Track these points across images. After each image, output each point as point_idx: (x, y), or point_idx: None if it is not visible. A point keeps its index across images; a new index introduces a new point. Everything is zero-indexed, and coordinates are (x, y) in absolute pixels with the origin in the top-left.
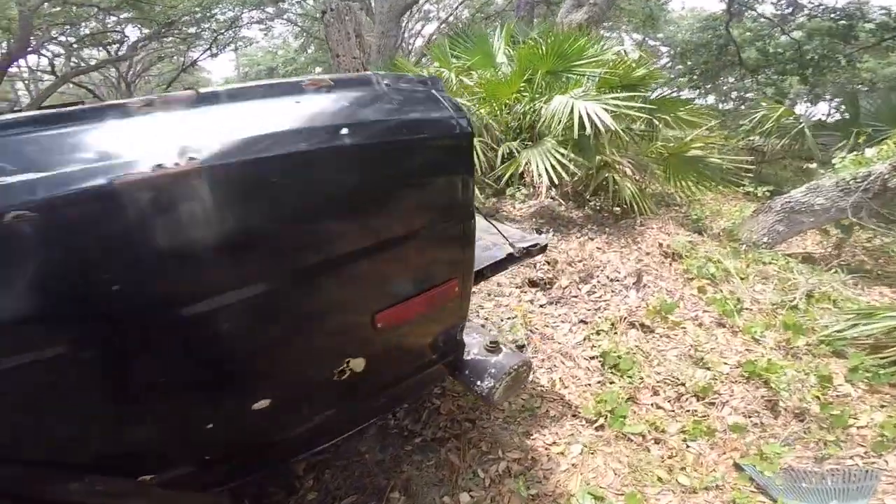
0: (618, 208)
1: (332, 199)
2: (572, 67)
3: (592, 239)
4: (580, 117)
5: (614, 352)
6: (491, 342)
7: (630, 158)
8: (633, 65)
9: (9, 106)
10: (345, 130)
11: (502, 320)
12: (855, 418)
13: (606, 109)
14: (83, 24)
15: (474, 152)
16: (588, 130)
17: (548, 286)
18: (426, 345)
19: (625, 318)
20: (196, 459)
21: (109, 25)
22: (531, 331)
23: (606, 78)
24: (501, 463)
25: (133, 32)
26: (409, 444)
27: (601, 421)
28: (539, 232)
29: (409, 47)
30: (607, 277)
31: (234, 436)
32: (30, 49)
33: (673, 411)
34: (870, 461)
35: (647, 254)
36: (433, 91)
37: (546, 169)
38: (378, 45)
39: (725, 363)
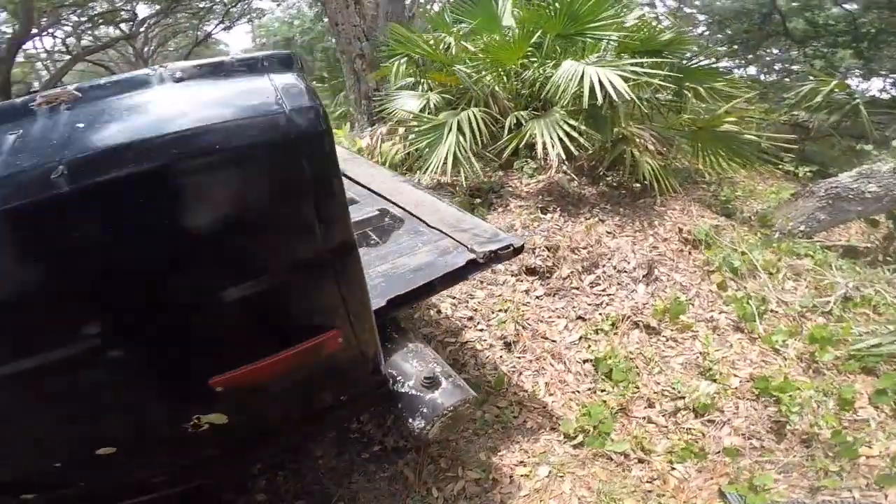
0: (637, 184)
1: (92, 257)
2: (586, 31)
3: (603, 221)
4: (591, 85)
5: (610, 357)
6: (427, 377)
7: (653, 131)
8: (659, 28)
9: (25, 88)
10: (61, 170)
11: (493, 312)
12: (868, 446)
13: (624, 77)
14: (92, 3)
15: (332, 157)
16: (600, 99)
17: (547, 275)
18: (323, 390)
19: (628, 317)
20: (54, 488)
21: (119, 3)
22: (522, 326)
23: (626, 42)
24: (459, 482)
25: (145, 10)
26: (367, 451)
27: (581, 437)
28: (544, 212)
29: (428, 13)
30: (614, 268)
31: (86, 474)
32: (39, 31)
33: (666, 427)
34: (869, 494)
35: (664, 240)
36: (266, 77)
37: (553, 141)
38: (386, 11)
39: (736, 376)
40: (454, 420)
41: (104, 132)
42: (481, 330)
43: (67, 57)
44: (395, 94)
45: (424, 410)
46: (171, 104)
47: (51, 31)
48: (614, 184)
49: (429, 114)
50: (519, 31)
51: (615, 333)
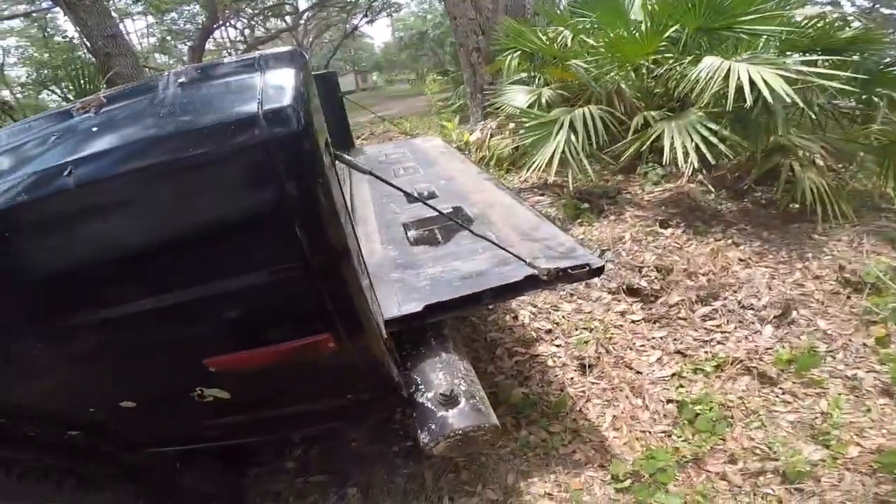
0: (795, 205)
1: (90, 255)
2: (735, 24)
3: (738, 245)
4: (740, 84)
5: (701, 402)
6: (443, 393)
7: (825, 143)
8: (837, 23)
9: None
10: (69, 169)
11: (576, 329)
12: None
13: (786, 77)
14: None
15: (312, 160)
16: (749, 101)
17: (651, 299)
18: (325, 386)
19: (740, 361)
20: (95, 429)
21: None
22: (606, 349)
23: (793, 39)
24: (473, 498)
25: (305, 4)
26: (399, 445)
27: (629, 482)
28: (664, 226)
29: (556, 10)
30: (739, 302)
31: (116, 420)
32: (222, 22)
33: (739, 487)
34: None
35: (816, 277)
36: (260, 76)
37: (686, 147)
38: (505, 4)
39: (859, 445)
40: (465, 443)
41: (104, 137)
42: (558, 346)
43: (243, 46)
44: (505, 88)
45: (432, 427)
46: (165, 109)
47: (231, 21)
48: (762, 201)
49: (539, 110)
50: (650, 24)
51: (718, 376)
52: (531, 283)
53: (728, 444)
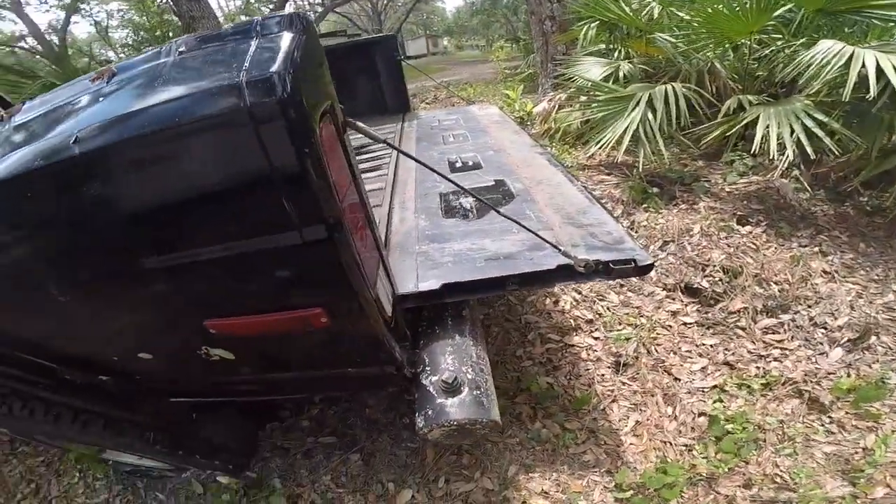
0: None
1: (96, 217)
2: (866, 8)
3: (825, 254)
4: (865, 73)
5: (735, 420)
6: (444, 380)
7: None
8: None
9: None
10: (76, 137)
11: (619, 323)
12: None
13: None
14: None
15: (300, 130)
16: (873, 93)
17: (710, 302)
18: (322, 357)
19: (794, 382)
20: (120, 376)
21: None
22: (647, 350)
23: None
24: (469, 484)
25: None
26: (410, 416)
27: (630, 493)
28: (742, 222)
29: None
30: (811, 319)
31: (137, 370)
32: None
33: None
34: None
35: None
36: (253, 42)
37: (787, 138)
38: None
39: (888, 486)
40: (461, 433)
41: (104, 106)
42: (596, 338)
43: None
44: (579, 59)
45: (429, 412)
46: (162, 78)
47: None
48: (868, 207)
49: (614, 83)
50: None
51: (763, 395)
52: (564, 274)
53: (749, 468)
